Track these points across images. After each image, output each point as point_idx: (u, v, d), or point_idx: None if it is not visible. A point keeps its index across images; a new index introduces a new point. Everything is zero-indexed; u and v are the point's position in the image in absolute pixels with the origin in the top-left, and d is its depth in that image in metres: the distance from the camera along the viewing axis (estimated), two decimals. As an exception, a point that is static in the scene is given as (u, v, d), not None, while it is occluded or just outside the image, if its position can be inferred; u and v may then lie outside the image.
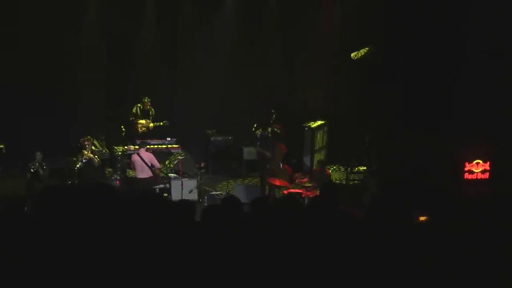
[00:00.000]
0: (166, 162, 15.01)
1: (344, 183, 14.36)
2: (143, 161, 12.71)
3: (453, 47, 13.44)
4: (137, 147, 14.06)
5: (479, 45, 13.04)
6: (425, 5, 13.08)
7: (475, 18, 12.96)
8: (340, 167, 14.77)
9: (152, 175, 12.85)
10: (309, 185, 12.47)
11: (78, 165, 11.97)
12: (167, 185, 13.11)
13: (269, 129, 13.36)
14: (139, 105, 15.38)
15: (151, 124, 15.33)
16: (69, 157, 12.77)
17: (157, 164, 12.91)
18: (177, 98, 17.08)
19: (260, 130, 13.36)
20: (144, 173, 12.80)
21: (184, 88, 17.03)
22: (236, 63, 16.85)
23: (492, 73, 12.99)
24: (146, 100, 15.40)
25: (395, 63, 14.36)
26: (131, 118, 15.32)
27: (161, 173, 13.48)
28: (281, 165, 13.53)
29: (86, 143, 12.11)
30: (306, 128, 16.09)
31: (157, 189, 12.79)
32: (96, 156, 12.53)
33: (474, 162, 13.67)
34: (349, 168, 14.58)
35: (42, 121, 14.97)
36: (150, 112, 15.44)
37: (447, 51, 13.43)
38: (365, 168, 14.86)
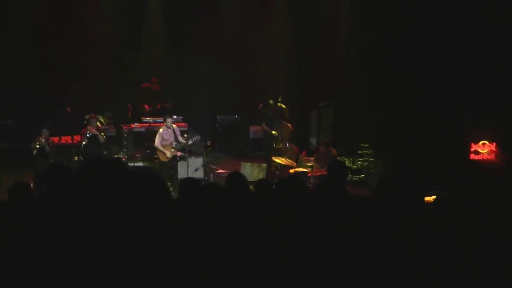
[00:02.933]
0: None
1: (351, 166, 14.37)
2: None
3: (461, 30, 13.40)
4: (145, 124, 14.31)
5: (489, 28, 12.99)
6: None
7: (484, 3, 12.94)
8: (344, 158, 14.63)
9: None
10: (315, 164, 12.43)
11: (84, 142, 11.96)
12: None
13: (275, 108, 13.33)
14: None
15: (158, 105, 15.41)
16: (74, 135, 12.75)
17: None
18: (184, 77, 16.99)
19: (267, 109, 13.32)
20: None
21: (191, 67, 16.92)
22: (244, 43, 16.71)
23: (500, 56, 12.96)
24: (153, 81, 15.48)
25: (404, 47, 14.34)
26: (140, 100, 15.39)
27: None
28: (288, 144, 13.50)
29: (91, 119, 12.08)
30: (313, 108, 15.98)
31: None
32: (102, 134, 12.52)
33: (480, 143, 13.65)
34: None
35: (48, 99, 14.93)
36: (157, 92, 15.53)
37: (456, 34, 13.39)
38: (371, 151, 14.78)
